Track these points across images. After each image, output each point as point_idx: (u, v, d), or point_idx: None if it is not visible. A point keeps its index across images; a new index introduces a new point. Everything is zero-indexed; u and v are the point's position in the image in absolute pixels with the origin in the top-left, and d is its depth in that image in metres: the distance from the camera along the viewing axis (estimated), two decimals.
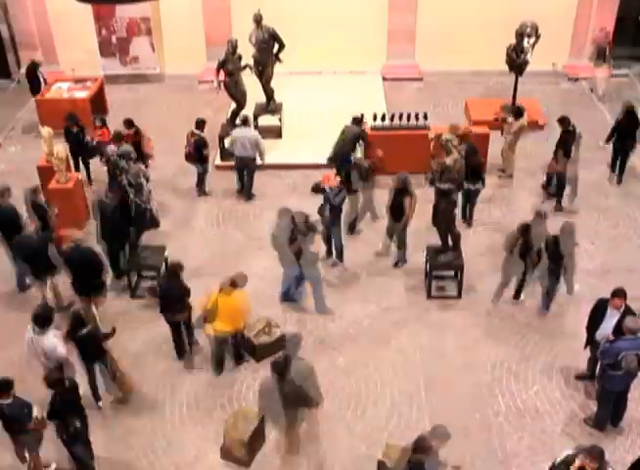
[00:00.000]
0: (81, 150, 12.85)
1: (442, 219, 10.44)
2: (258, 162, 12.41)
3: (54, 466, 7.94)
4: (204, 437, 8.30)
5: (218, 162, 13.56)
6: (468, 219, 11.81)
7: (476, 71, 15.97)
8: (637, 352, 7.66)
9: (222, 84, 13.94)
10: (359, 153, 12.36)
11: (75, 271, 9.55)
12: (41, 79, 14.99)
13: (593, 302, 10.12)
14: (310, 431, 8.16)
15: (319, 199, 10.61)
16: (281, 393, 7.30)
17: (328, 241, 10.94)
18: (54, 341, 7.92)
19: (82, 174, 12.61)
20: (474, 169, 11.29)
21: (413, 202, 10.38)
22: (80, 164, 12.99)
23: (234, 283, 8.62)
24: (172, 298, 8.92)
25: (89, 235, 10.83)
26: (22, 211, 10.32)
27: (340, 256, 11.00)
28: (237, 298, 8.62)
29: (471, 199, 11.66)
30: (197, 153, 12.32)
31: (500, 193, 12.77)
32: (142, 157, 12.09)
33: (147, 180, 10.99)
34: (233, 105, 14.19)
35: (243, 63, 13.89)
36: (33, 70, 15.02)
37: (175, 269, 8.92)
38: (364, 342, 9.71)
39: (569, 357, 9.28)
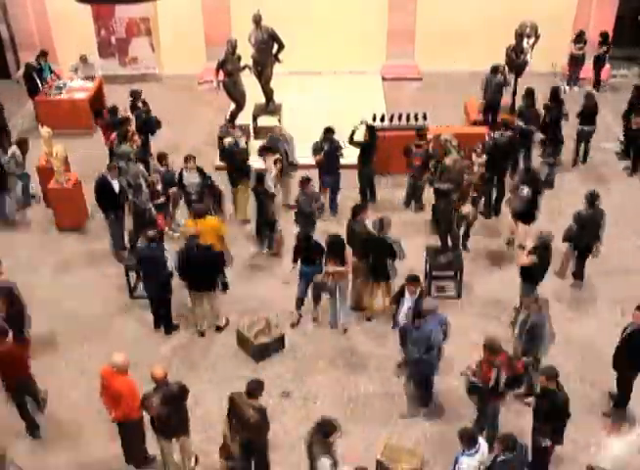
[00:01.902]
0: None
1: (442, 219, 10.44)
2: None
3: None
4: (203, 437, 8.29)
5: (217, 163, 13.53)
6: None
7: (475, 72, 15.92)
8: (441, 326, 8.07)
9: (221, 84, 13.94)
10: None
11: None
12: (38, 81, 15.04)
13: (594, 303, 10.19)
14: None
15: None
16: None
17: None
18: None
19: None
20: None
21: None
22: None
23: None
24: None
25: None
26: None
27: None
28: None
29: None
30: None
31: None
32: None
33: (146, 180, 10.98)
34: (232, 105, 14.19)
35: (242, 63, 13.89)
36: (29, 72, 15.06)
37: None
38: (364, 342, 9.69)
39: (568, 358, 9.26)
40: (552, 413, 7.15)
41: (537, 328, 8.05)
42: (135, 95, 13.28)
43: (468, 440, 6.63)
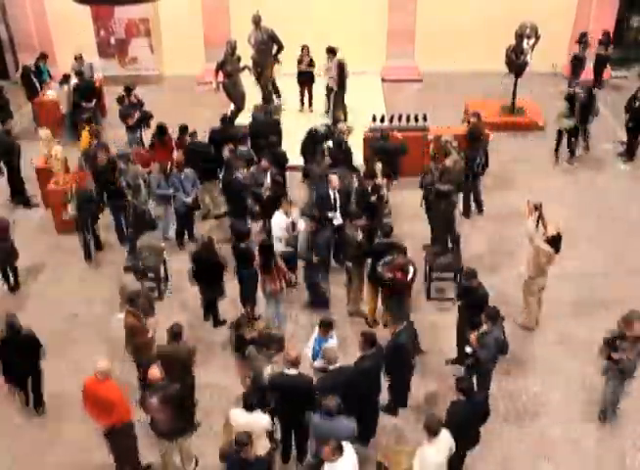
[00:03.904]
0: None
1: (442, 221, 10.41)
2: None
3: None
4: (203, 438, 8.27)
5: None
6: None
7: (475, 72, 15.98)
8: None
9: (221, 86, 13.93)
10: None
11: None
12: (36, 83, 15.03)
13: (593, 305, 10.15)
14: None
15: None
16: None
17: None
18: None
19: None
20: None
21: None
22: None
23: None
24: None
25: None
26: None
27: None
28: None
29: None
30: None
31: (499, 196, 12.78)
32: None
33: (145, 181, 10.99)
34: (232, 106, 14.18)
35: (242, 64, 13.89)
36: (27, 74, 15.04)
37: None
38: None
39: (568, 359, 9.26)
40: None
41: None
42: (128, 90, 13.43)
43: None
